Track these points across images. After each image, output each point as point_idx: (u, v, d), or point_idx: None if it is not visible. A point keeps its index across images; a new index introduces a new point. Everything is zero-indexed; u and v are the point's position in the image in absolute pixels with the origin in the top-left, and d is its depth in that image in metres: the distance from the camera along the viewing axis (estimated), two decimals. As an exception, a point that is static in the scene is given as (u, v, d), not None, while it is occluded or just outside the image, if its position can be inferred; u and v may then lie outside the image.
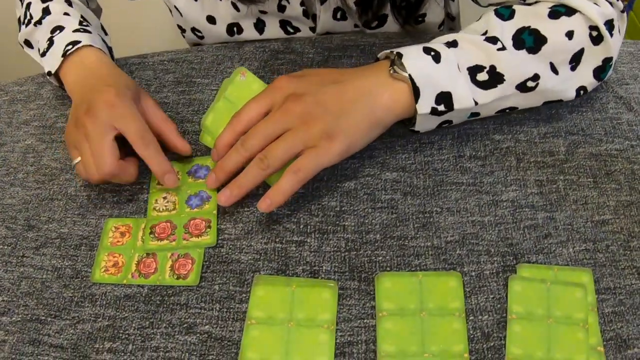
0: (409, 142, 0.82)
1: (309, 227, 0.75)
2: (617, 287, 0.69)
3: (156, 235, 0.75)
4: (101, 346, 0.67)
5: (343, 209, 0.77)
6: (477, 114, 0.79)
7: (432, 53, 0.74)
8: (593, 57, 0.79)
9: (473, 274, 0.70)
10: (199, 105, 0.89)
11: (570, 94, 0.81)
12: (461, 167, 0.80)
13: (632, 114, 0.85)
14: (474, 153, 0.81)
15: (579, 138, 0.82)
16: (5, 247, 0.76)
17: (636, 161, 0.79)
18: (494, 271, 0.70)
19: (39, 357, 0.67)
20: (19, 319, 0.70)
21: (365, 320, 0.68)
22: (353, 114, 0.73)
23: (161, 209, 0.78)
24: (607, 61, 0.79)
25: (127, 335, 0.68)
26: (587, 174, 0.78)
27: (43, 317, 0.70)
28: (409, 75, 0.73)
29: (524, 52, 0.76)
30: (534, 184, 0.77)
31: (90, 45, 0.85)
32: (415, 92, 0.73)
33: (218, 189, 0.76)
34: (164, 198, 0.79)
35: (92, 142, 0.74)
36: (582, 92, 0.81)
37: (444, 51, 0.75)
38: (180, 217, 0.77)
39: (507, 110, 0.81)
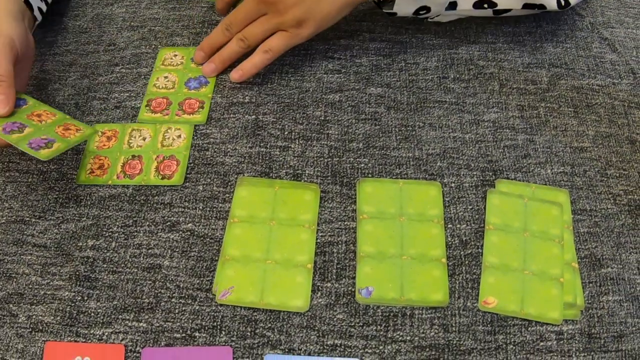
0: (395, 61, 0.84)
1: (293, 133, 0.76)
2: (593, 209, 0.70)
3: (151, 108, 0.79)
4: (84, 244, 0.68)
5: (327, 118, 0.78)
6: (455, 4, 0.80)
7: None
8: None
9: (453, 185, 0.72)
10: (188, 21, 0.90)
11: (552, 3, 0.81)
12: (445, 87, 0.81)
13: (615, 55, 0.86)
14: (458, 76, 0.82)
15: (562, 71, 0.83)
16: (-9, 154, 0.77)
17: (617, 97, 0.81)
18: (473, 184, 0.72)
19: (22, 256, 0.68)
20: (3, 220, 0.70)
21: (345, 222, 0.69)
22: (325, 1, 0.77)
23: (161, 87, 0.82)
24: None
25: (110, 233, 0.69)
26: (568, 104, 0.80)
27: (27, 218, 0.70)
28: None
29: None
30: (515, 108, 0.79)
31: None
32: None
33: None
34: (165, 77, 0.83)
35: None
36: (563, 2, 0.81)
37: None
38: (177, 95, 0.80)
39: (486, 6, 0.82)
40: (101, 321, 0.63)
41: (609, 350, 0.61)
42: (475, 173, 0.72)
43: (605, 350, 0.61)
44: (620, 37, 0.88)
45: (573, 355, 0.61)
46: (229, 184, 0.72)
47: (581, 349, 0.61)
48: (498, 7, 0.82)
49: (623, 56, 0.86)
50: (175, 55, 0.85)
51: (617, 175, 0.73)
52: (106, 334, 0.62)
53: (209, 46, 0.83)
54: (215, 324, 0.62)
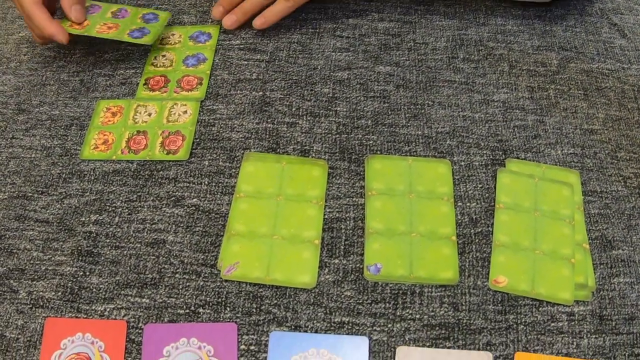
0: (404, 41, 0.83)
1: (301, 110, 0.76)
2: (604, 191, 0.69)
3: (149, 86, 0.78)
4: (87, 219, 0.67)
5: (335, 95, 0.77)
6: None
7: None
8: None
9: (462, 163, 0.71)
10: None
11: None
12: (454, 67, 0.80)
13: (625, 40, 0.86)
14: (467, 56, 0.82)
15: (572, 54, 0.83)
16: (-6, 130, 0.76)
17: (627, 82, 0.80)
18: (483, 163, 0.71)
19: (24, 232, 0.67)
20: (5, 196, 0.69)
21: (354, 199, 0.68)
22: None
23: (158, 65, 0.81)
24: None
25: (113, 208, 0.68)
26: (578, 87, 0.79)
27: (30, 194, 0.69)
28: None
29: None
30: (525, 89, 0.78)
31: None
32: None
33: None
34: (163, 56, 0.82)
35: (25, 12, 0.77)
36: None
37: None
38: (175, 73, 0.80)
39: None
40: (103, 297, 0.62)
41: (620, 333, 0.60)
42: (485, 152, 0.72)
43: (616, 332, 0.60)
44: (629, 23, 0.88)
45: (584, 337, 0.60)
46: (236, 159, 0.71)
47: (592, 330, 0.60)
48: None
49: (632, 42, 0.85)
50: (173, 35, 0.85)
51: (628, 158, 0.72)
52: (108, 309, 0.61)
53: (229, 2, 0.84)
54: (219, 300, 0.61)
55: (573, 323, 0.60)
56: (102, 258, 0.64)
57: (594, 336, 0.60)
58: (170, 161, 0.71)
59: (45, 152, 0.73)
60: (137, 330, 0.60)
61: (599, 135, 0.74)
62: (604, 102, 0.77)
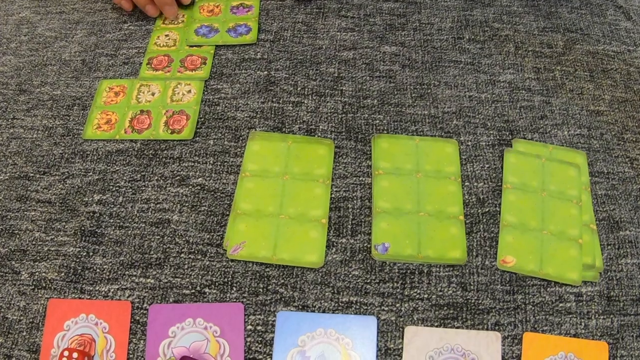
0: (409, 21, 0.82)
1: (306, 89, 0.75)
2: (611, 172, 0.69)
3: (152, 66, 0.77)
4: (90, 199, 0.66)
5: (341, 75, 0.76)
6: None
7: None
8: None
9: (469, 143, 0.70)
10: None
11: None
12: (460, 47, 0.80)
13: (630, 23, 0.85)
14: (473, 37, 0.81)
15: (577, 36, 0.82)
16: (-5, 110, 0.75)
17: (632, 64, 0.80)
18: (490, 143, 0.70)
19: (25, 212, 0.66)
20: (6, 177, 0.69)
21: (360, 178, 0.67)
22: None
23: (162, 45, 0.80)
24: None
25: (117, 188, 0.67)
26: (584, 68, 0.78)
27: (32, 174, 0.69)
28: None
29: None
30: (531, 70, 0.77)
31: None
32: None
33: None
34: (166, 35, 0.81)
35: None
36: None
37: None
38: (178, 53, 0.79)
39: None
40: (107, 277, 0.61)
41: (628, 314, 0.60)
42: (492, 132, 0.71)
43: (624, 313, 0.60)
44: (634, 5, 0.88)
45: (592, 318, 0.59)
46: (241, 138, 0.70)
47: (600, 311, 0.60)
48: None
49: (638, 24, 0.85)
50: (177, 16, 0.84)
51: (634, 139, 0.72)
52: (112, 290, 0.61)
53: None
54: (226, 279, 0.61)
55: (581, 304, 0.60)
56: (106, 238, 0.63)
57: (602, 317, 0.59)
58: (174, 140, 0.70)
59: (47, 132, 0.72)
60: (142, 311, 0.59)
61: (605, 116, 0.74)
62: (609, 84, 0.77)
